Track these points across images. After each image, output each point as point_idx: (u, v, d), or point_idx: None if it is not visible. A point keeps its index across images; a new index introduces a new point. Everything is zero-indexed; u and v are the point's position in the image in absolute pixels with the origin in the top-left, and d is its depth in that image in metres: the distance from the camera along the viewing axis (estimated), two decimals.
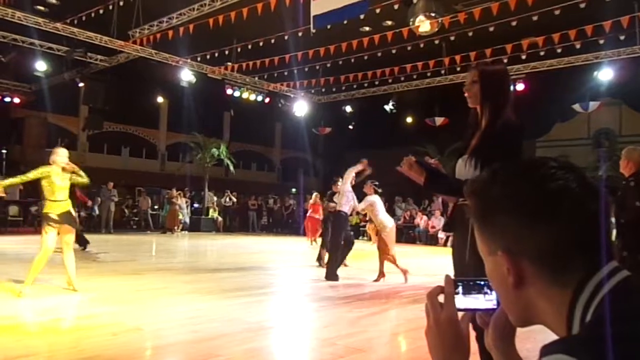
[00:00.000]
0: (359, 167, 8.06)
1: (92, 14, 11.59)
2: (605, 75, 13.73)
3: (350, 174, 8.04)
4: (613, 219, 4.09)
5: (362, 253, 10.47)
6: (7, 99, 18.64)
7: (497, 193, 0.80)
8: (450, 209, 2.60)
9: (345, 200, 7.99)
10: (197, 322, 4.65)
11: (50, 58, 15.33)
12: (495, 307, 0.91)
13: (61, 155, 6.07)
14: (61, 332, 4.25)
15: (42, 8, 13.21)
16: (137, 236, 16.76)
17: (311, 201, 16.21)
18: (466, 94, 2.50)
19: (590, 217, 0.75)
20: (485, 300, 0.93)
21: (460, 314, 0.92)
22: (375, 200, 7.82)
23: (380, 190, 8.02)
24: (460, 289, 0.93)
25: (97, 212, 17.70)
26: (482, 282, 0.93)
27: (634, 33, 11.40)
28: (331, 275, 7.68)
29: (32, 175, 5.97)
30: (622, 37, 11.55)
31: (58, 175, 5.96)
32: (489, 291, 0.92)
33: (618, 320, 0.65)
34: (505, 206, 0.78)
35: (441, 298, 0.92)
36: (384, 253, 7.69)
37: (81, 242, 10.69)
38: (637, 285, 0.72)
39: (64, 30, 13.01)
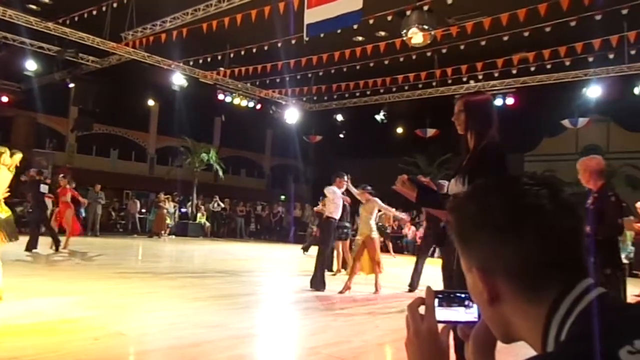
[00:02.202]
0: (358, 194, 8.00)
1: (85, 15, 11.54)
2: (594, 92, 13.89)
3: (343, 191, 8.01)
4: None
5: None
6: None
7: (472, 210, 0.80)
8: (442, 224, 2.76)
9: (335, 207, 7.90)
10: (181, 328, 4.61)
11: (41, 58, 15.22)
12: (476, 320, 0.91)
13: None
14: (42, 335, 4.19)
15: (33, 7, 13.14)
16: (123, 240, 16.62)
17: None
18: (455, 123, 2.73)
19: (563, 234, 0.75)
20: (465, 313, 0.92)
21: (440, 326, 0.92)
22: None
23: (374, 192, 7.91)
24: (441, 301, 0.92)
25: (83, 214, 17.53)
26: (463, 295, 0.92)
27: (622, 52, 11.57)
28: (317, 284, 7.62)
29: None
30: (611, 56, 11.72)
31: None
32: (470, 304, 0.92)
33: (591, 339, 0.65)
34: (479, 223, 0.78)
35: (422, 310, 0.92)
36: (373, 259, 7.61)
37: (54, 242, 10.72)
38: (610, 303, 0.72)
39: (56, 30, 12.94)
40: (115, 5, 11.27)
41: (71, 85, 16.55)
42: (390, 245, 16.43)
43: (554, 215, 0.75)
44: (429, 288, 0.94)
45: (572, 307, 0.71)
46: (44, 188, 10.79)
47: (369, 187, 7.94)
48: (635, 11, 9.28)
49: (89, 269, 8.78)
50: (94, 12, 11.39)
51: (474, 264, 0.80)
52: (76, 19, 11.84)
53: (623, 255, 12.97)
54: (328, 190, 7.99)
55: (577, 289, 0.73)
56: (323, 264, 7.87)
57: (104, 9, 11.37)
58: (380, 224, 15.93)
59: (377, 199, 7.80)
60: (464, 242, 0.82)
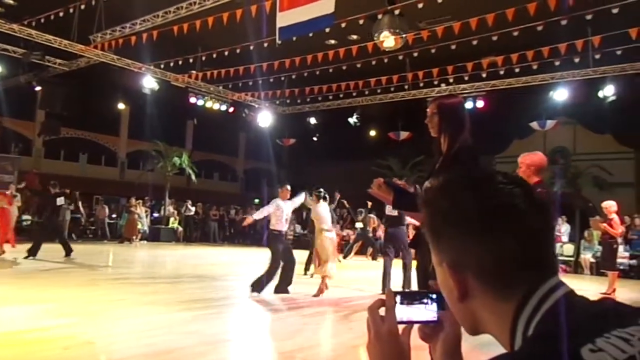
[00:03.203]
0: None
1: (52, 17, 11.26)
2: (561, 95, 14.23)
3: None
4: None
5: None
6: None
7: (445, 206, 0.79)
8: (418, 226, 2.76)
9: (276, 219, 7.70)
10: (153, 335, 4.54)
11: (6, 60, 14.80)
12: (435, 319, 0.91)
13: None
14: (10, 346, 4.07)
15: None
16: (93, 246, 16.27)
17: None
18: (428, 125, 2.75)
19: (535, 233, 0.76)
20: (425, 311, 0.92)
21: (401, 327, 0.91)
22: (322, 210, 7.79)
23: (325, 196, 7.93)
24: (401, 300, 0.92)
25: None
26: (423, 293, 0.93)
27: (587, 56, 11.89)
28: (256, 286, 7.45)
29: None
30: (576, 60, 12.03)
31: None
32: (429, 302, 0.92)
33: (555, 338, 0.66)
34: (451, 219, 0.78)
35: (382, 311, 0.91)
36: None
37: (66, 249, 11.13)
38: (576, 301, 0.73)
39: (21, 32, 12.60)
40: (83, 7, 11.05)
41: (38, 88, 16.11)
42: (370, 250, 16.44)
43: (527, 214, 0.75)
44: (389, 289, 0.94)
45: (539, 305, 0.72)
46: (60, 201, 11.29)
47: (321, 190, 7.95)
48: (598, 16, 9.54)
49: (58, 276, 8.57)
50: (61, 14, 11.12)
51: (444, 259, 0.80)
52: (42, 20, 11.54)
53: (590, 255, 13.35)
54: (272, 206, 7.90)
55: (545, 287, 0.73)
56: (269, 275, 7.60)
57: (71, 10, 11.12)
58: (362, 226, 15.97)
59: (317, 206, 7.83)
60: (435, 237, 0.82)
